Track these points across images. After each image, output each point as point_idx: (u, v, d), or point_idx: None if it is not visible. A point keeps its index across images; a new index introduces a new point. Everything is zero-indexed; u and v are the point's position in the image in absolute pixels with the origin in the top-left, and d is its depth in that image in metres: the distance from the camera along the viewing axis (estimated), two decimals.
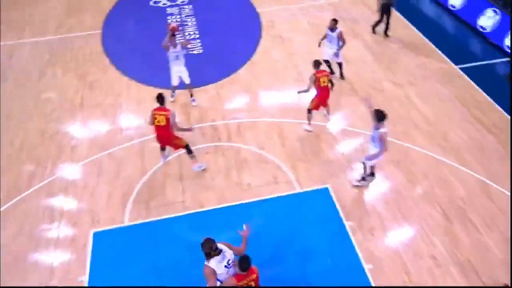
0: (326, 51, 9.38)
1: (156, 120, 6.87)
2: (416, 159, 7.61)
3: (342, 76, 9.68)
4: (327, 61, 9.41)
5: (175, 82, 8.83)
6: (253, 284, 4.64)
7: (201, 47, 11.21)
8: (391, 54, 10.61)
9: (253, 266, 4.65)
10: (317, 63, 7.90)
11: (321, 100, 8.04)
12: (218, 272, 4.67)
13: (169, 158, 7.70)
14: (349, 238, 6.29)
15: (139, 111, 9.04)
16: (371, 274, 5.81)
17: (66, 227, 6.78)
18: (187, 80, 8.81)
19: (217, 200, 7.01)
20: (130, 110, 9.18)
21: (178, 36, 8.92)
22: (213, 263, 4.66)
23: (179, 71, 8.69)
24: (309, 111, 8.06)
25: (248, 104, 9.15)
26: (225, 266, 4.72)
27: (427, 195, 6.94)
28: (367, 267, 5.90)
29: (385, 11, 10.86)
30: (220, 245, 4.77)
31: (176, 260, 6.14)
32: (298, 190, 7.10)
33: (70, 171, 7.78)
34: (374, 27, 11.24)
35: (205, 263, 4.70)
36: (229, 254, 4.81)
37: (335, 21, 9.07)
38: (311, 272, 5.87)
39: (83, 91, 9.82)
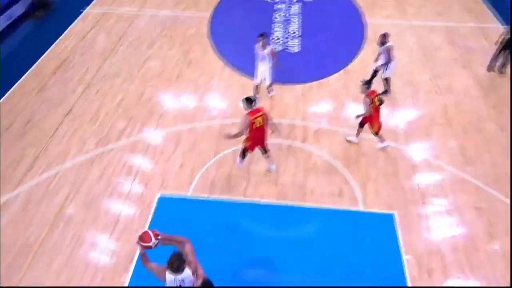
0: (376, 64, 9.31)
1: (256, 123, 6.71)
2: (503, 213, 6.81)
3: (385, 91, 9.28)
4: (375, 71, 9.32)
5: (257, 80, 8.97)
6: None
7: (299, 46, 11.29)
8: (502, 93, 9.58)
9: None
10: (367, 83, 7.58)
11: (377, 120, 7.73)
12: (168, 280, 4.47)
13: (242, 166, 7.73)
14: (402, 272, 5.91)
15: (226, 95, 9.45)
16: None
17: (138, 185, 7.40)
18: (268, 81, 8.96)
19: (277, 196, 7.07)
20: (219, 92, 9.63)
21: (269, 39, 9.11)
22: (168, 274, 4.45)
23: (263, 71, 8.84)
24: (376, 134, 7.84)
25: (331, 112, 9.02)
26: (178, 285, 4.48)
27: (506, 255, 6.19)
28: None
29: (507, 46, 9.81)
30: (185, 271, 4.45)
31: (222, 241, 6.35)
32: (361, 208, 6.84)
33: (153, 135, 8.44)
34: (493, 62, 10.12)
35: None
36: (188, 282, 4.49)
37: (383, 36, 8.87)
38: None
39: (182, 66, 10.54)
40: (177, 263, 4.34)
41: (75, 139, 8.37)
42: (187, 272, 4.45)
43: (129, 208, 7.00)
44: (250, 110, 6.74)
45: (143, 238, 4.58)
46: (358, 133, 7.98)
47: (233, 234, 6.45)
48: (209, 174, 7.50)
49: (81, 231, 6.66)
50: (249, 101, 6.77)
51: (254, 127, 6.75)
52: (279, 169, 7.56)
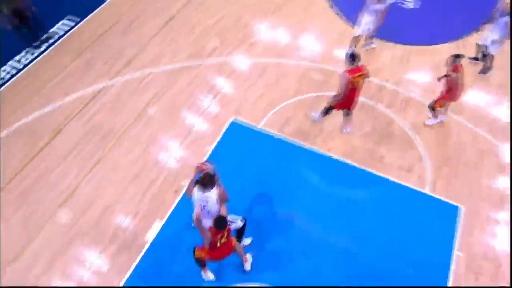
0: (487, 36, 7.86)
1: (354, 83, 6.32)
2: None
3: (484, 70, 8.03)
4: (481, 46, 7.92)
5: (359, 31, 8.35)
6: None
7: (417, 3, 10.16)
8: None
9: None
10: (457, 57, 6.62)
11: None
12: (196, 196, 4.95)
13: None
14: (448, 266, 5.70)
15: (321, 38, 9.07)
16: None
17: (216, 104, 7.74)
18: (370, 33, 8.40)
19: (343, 154, 6.96)
20: (314, 34, 9.25)
21: None
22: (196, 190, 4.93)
23: (368, 22, 8.20)
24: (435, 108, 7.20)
25: (428, 84, 8.26)
26: (202, 204, 4.96)
27: None
28: None
29: None
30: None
31: (275, 181, 6.56)
32: (426, 191, 6.50)
33: (241, 61, 8.56)
34: None
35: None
36: (211, 204, 4.93)
37: None
38: (383, 272, 5.64)
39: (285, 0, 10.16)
40: (207, 180, 4.84)
41: (169, 48, 8.83)
42: (214, 194, 4.88)
43: (202, 124, 7.44)
44: (351, 68, 6.32)
45: (202, 165, 5.00)
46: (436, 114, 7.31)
47: (289, 177, 6.61)
48: (284, 113, 7.56)
49: (158, 132, 7.32)
50: (353, 58, 6.26)
51: (350, 87, 6.39)
52: (354, 128, 7.33)
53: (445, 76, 6.71)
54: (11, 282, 5.61)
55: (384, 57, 8.70)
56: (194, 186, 4.96)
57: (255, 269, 5.57)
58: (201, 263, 5.29)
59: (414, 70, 8.50)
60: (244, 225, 5.44)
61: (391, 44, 8.94)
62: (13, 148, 7.14)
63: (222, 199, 4.99)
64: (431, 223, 6.12)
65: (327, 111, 7.00)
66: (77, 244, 5.97)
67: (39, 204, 6.42)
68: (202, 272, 5.45)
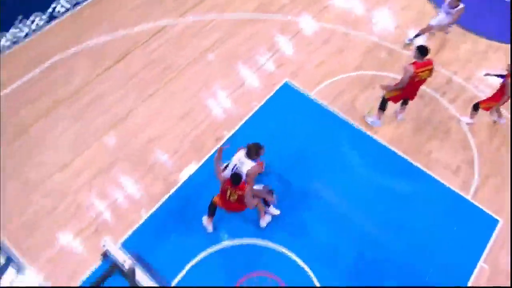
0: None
1: (419, 77, 6.02)
2: None
3: None
4: None
5: (434, 22, 7.65)
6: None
7: None
8: None
9: None
10: None
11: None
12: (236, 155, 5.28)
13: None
14: (469, 275, 5.53)
15: (398, 17, 8.51)
16: None
17: (272, 63, 7.67)
18: (444, 28, 7.81)
19: (390, 140, 6.73)
20: (392, 10, 8.66)
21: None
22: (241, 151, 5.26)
23: (442, 20, 7.55)
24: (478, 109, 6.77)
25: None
26: (236, 165, 5.23)
27: None
28: None
29: None
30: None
31: (314, 153, 6.53)
32: (468, 197, 6.20)
33: (309, 23, 8.30)
34: None
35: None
36: (244, 167, 5.16)
37: None
38: (401, 264, 5.59)
39: None
40: (254, 151, 5.15)
41: None
42: (250, 165, 5.12)
43: (255, 79, 7.44)
44: (419, 61, 5.95)
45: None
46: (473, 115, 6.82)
47: (328, 151, 6.55)
48: (339, 86, 7.35)
49: (211, 78, 7.44)
50: (423, 51, 5.89)
51: (414, 80, 6.06)
52: (407, 115, 7.01)
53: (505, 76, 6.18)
54: (55, 191, 6.19)
55: (461, 48, 8.05)
56: (224, 169, 5.32)
57: (270, 228, 5.73)
58: (211, 209, 5.53)
59: (489, 68, 7.82)
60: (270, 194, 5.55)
61: (473, 36, 8.21)
62: (78, 66, 7.60)
63: (256, 173, 5.22)
64: (465, 229, 5.89)
65: (383, 105, 6.59)
66: (118, 168, 6.41)
67: (92, 123, 6.88)
68: (206, 218, 5.67)
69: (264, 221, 5.72)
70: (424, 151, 6.65)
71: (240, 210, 5.40)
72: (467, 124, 6.94)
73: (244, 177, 5.07)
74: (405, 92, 6.29)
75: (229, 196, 5.09)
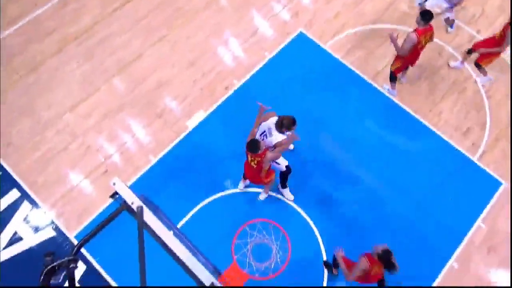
0: None
1: (422, 43, 5.79)
2: None
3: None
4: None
5: None
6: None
7: None
8: None
9: None
10: None
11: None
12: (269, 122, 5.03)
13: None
14: (465, 233, 5.70)
15: None
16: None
17: (287, 12, 7.39)
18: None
19: (401, 98, 6.63)
20: None
21: None
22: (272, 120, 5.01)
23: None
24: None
25: None
26: (265, 133, 5.04)
27: None
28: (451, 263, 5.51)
29: None
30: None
31: (321, 102, 6.49)
32: (474, 160, 6.20)
33: None
34: None
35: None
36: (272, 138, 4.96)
37: None
38: (403, 219, 5.74)
39: None
40: (286, 123, 4.87)
41: None
42: (280, 137, 4.89)
43: (269, 28, 7.21)
44: (423, 27, 5.64)
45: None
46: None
47: (338, 104, 6.50)
48: (354, 39, 7.12)
49: (223, 24, 7.23)
50: (426, 16, 5.55)
51: (417, 47, 5.80)
52: (421, 75, 6.82)
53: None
54: (66, 131, 6.30)
55: (488, 4, 7.61)
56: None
57: (275, 180, 5.84)
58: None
59: None
60: (287, 171, 5.43)
61: None
62: (89, 4, 7.39)
63: (283, 148, 4.92)
64: (468, 189, 5.97)
65: (393, 78, 6.36)
66: (127, 112, 6.46)
67: (100, 64, 6.84)
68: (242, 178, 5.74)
69: (263, 197, 5.77)
70: (436, 112, 6.55)
71: (255, 181, 5.29)
72: (483, 85, 6.76)
73: (270, 146, 4.93)
74: (407, 60, 6.04)
75: (251, 161, 4.90)
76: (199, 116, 6.39)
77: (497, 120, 6.51)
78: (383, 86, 6.65)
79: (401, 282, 5.03)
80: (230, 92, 6.56)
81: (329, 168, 6.02)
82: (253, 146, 4.63)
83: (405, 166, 6.09)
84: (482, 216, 5.81)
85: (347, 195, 5.85)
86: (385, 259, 4.19)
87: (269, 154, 4.76)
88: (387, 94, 6.62)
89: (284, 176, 5.56)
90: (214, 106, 6.46)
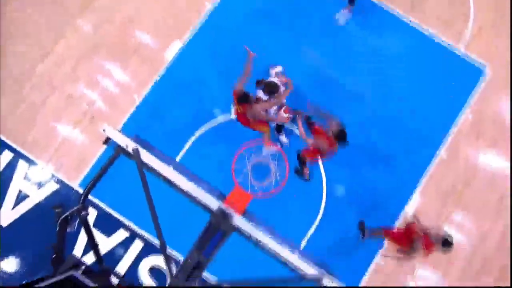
0: None
1: None
2: None
3: None
4: None
5: None
6: None
7: None
8: None
9: None
10: None
11: None
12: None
13: None
14: (452, 121, 5.92)
15: None
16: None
17: None
18: None
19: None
20: None
21: None
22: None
23: None
24: None
25: None
26: None
27: None
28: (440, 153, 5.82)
29: None
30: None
31: (298, 12, 6.23)
32: (457, 51, 6.14)
33: None
34: None
35: None
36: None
37: None
38: (389, 118, 5.90)
39: None
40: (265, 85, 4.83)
41: None
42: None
43: None
44: None
45: None
46: None
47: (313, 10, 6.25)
48: None
49: None
50: None
51: None
52: None
53: None
54: (41, 83, 6.08)
55: None
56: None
57: None
58: None
59: None
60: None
61: None
62: None
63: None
64: (453, 79, 6.05)
65: None
66: (101, 54, 6.18)
67: (62, 4, 6.33)
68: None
69: (267, 151, 5.70)
70: (417, 4, 6.31)
71: (247, 126, 5.20)
72: None
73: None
74: None
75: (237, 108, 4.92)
76: (176, 46, 6.15)
77: (481, 9, 6.31)
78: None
79: (394, 174, 5.35)
80: (205, 16, 6.23)
81: (312, 74, 6.00)
82: (241, 97, 4.68)
83: (388, 63, 6.07)
84: (468, 104, 5.97)
85: (333, 99, 5.87)
86: (341, 137, 4.56)
87: (256, 106, 4.75)
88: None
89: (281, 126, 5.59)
90: (190, 34, 6.19)
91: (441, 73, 6.07)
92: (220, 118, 5.86)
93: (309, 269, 2.59)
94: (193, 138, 5.81)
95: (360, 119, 5.85)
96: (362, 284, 5.50)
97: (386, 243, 5.44)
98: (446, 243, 4.44)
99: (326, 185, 5.71)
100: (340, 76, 6.00)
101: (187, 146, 5.79)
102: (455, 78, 6.06)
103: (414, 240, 4.59)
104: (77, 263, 2.88)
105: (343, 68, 6.04)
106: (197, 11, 6.27)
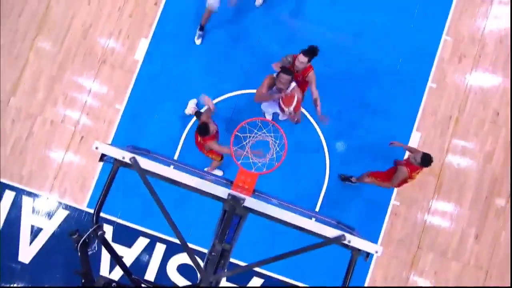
0: None
1: None
2: None
3: None
4: None
5: None
6: None
7: None
8: None
9: None
10: None
11: None
12: None
13: None
14: (435, 52, 5.92)
15: None
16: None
17: None
18: None
19: None
20: None
21: None
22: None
23: None
24: None
25: None
26: None
27: None
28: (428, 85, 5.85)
29: None
30: None
31: None
32: None
33: None
34: None
35: None
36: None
37: None
38: (372, 61, 5.89)
39: None
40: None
41: None
42: None
43: None
44: None
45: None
46: None
47: None
48: None
49: None
50: None
51: None
52: None
53: None
54: (20, 115, 5.98)
55: None
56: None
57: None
58: None
59: None
60: None
61: None
62: None
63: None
64: (425, 8, 6.00)
65: None
66: (70, 70, 6.06)
67: (15, 27, 6.15)
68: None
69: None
70: None
71: (202, 151, 5.17)
72: None
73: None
74: None
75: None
76: (143, 44, 6.04)
77: None
78: None
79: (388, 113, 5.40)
80: (161, 5, 6.08)
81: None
82: (201, 130, 4.63)
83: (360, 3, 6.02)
84: (445, 29, 5.95)
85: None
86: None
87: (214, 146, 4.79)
88: None
89: None
90: (154, 28, 6.06)
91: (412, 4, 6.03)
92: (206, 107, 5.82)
93: (328, 231, 2.65)
94: (186, 131, 5.81)
95: (341, 71, 5.85)
96: (385, 226, 5.67)
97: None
98: (424, 160, 4.61)
99: (327, 146, 5.77)
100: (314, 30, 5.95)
101: (182, 140, 5.79)
102: (428, 5, 6.02)
103: (397, 170, 4.85)
104: (108, 283, 2.92)
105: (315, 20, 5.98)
106: (154, 2, 6.12)
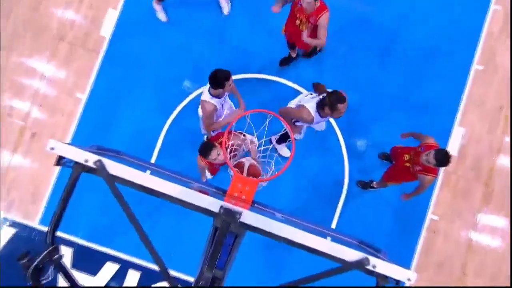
0: None
1: None
2: None
3: None
4: None
5: None
6: None
7: None
8: None
9: None
10: None
11: None
12: None
13: None
14: (478, 35, 5.93)
15: None
16: None
17: None
18: None
19: None
20: None
21: None
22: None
23: None
24: None
25: None
26: None
27: None
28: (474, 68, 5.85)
29: None
30: None
31: None
32: None
33: None
34: None
35: None
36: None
37: None
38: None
39: None
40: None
41: None
42: None
43: None
44: None
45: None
46: None
47: None
48: None
49: None
50: None
51: None
52: None
53: None
54: None
55: None
56: None
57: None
58: None
59: None
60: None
61: None
62: None
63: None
64: None
65: None
66: (19, 50, 6.06)
67: None
68: None
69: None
70: None
71: None
72: None
73: None
74: None
75: None
76: (111, 17, 6.04)
77: None
78: None
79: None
80: None
81: None
82: (202, 148, 4.37)
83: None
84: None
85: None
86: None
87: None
88: None
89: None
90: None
91: None
92: (195, 93, 5.83)
93: (348, 253, 2.64)
94: (166, 127, 5.80)
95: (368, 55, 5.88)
96: (420, 246, 5.67)
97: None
98: (440, 160, 4.26)
99: (346, 147, 5.78)
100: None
101: (161, 139, 5.78)
102: None
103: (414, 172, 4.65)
104: None
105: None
106: None
